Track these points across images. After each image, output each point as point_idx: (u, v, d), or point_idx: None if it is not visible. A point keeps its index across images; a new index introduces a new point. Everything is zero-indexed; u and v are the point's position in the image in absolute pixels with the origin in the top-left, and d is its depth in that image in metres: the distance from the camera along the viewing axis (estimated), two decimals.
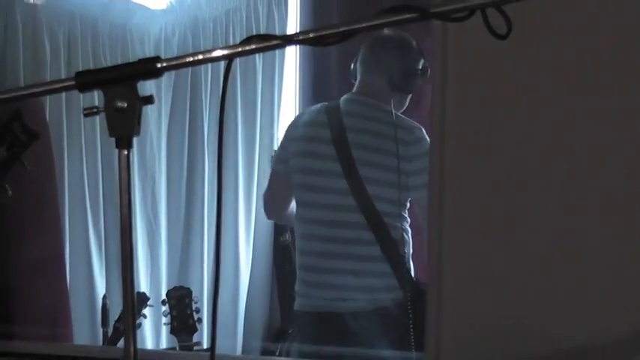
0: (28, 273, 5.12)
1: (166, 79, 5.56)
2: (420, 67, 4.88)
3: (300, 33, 2.15)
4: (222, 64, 2.10)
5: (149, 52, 5.20)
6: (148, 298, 5.37)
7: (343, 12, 6.33)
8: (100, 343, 5.30)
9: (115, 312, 5.31)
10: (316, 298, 5.04)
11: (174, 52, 5.51)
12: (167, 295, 5.37)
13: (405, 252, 4.83)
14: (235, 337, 5.87)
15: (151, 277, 5.72)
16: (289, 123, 5.25)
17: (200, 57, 2.15)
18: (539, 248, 3.76)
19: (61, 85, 2.10)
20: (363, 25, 2.06)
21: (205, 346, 5.23)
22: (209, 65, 5.29)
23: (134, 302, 2.07)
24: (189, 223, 5.86)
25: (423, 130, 4.71)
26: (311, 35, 2.15)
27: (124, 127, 2.01)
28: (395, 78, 4.73)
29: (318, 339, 5.03)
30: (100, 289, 5.50)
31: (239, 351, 5.77)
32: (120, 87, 2.01)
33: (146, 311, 5.35)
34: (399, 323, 4.48)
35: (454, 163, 3.82)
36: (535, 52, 3.40)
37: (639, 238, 3.69)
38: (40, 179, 5.04)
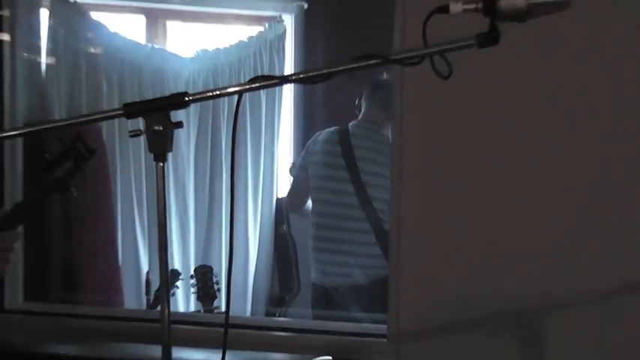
0: (89, 254, 5.12)
1: (193, 108, 5.55)
2: None
3: (294, 74, 2.15)
4: (235, 97, 2.11)
5: (180, 89, 5.19)
6: (179, 274, 5.36)
7: (327, 58, 6.33)
8: (144, 307, 5.30)
9: (155, 284, 5.32)
10: (327, 274, 5.15)
11: (199, 89, 5.50)
12: (194, 271, 5.37)
13: None
14: (245, 302, 5.85)
15: (182, 257, 5.71)
16: (309, 141, 5.31)
17: (217, 92, 2.17)
18: (485, 223, 3.76)
19: (113, 113, 2.11)
20: (341, 68, 2.07)
21: (223, 309, 5.22)
22: (226, 98, 5.28)
23: (168, 277, 2.07)
24: (211, 217, 5.85)
25: None
26: (302, 76, 2.16)
27: (160, 145, 2.02)
28: (389, 110, 4.78)
29: (328, 305, 5.14)
30: (144, 267, 5.49)
31: (248, 313, 5.76)
32: (157, 115, 2.02)
33: (178, 284, 5.34)
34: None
35: (409, 163, 3.82)
36: (471, 86, 3.38)
37: (569, 213, 3.69)
38: (99, 183, 5.05)
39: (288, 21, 6.24)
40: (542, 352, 3.70)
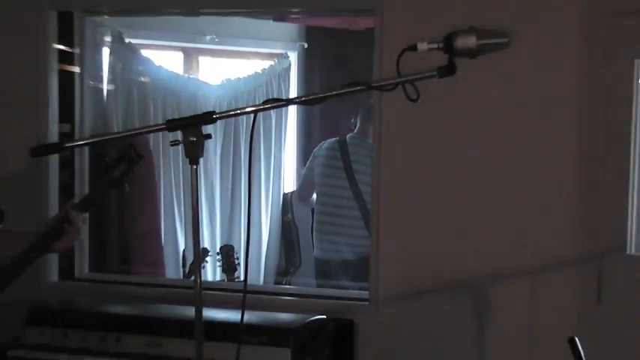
0: (139, 236, 5.11)
1: (219, 124, 5.54)
2: None
3: (296, 97, 2.16)
4: (252, 116, 2.10)
5: (209, 110, 5.18)
6: (208, 252, 5.34)
7: (322, 85, 6.33)
8: (181, 277, 5.28)
9: (189, 259, 5.31)
10: (326, 250, 5.16)
11: (224, 109, 5.49)
12: (219, 249, 5.35)
13: None
14: (259, 273, 5.83)
15: (210, 239, 5.68)
16: (315, 148, 5.36)
17: (238, 111, 2.17)
18: (447, 212, 3.77)
19: (158, 127, 2.10)
20: (334, 92, 2.06)
21: (242, 279, 5.21)
22: (244, 116, 5.27)
23: (200, 254, 2.06)
24: (233, 207, 5.82)
25: None
26: (303, 99, 2.16)
27: (194, 152, 2.01)
28: None
29: (326, 275, 5.15)
30: (181, 246, 5.46)
31: (261, 282, 5.74)
32: (192, 128, 2.01)
33: (207, 259, 5.32)
34: None
35: (386, 163, 3.82)
36: (431, 106, 3.38)
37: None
38: (147, 182, 5.04)
39: (293, 57, 6.22)
40: (488, 311, 3.71)
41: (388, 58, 3.70)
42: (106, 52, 4.97)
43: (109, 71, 5.01)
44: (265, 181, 5.88)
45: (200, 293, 2.03)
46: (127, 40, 5.16)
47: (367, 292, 3.90)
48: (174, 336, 3.43)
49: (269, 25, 5.99)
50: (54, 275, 4.28)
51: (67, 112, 4.30)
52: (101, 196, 2.77)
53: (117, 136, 2.35)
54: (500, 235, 3.69)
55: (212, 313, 3.42)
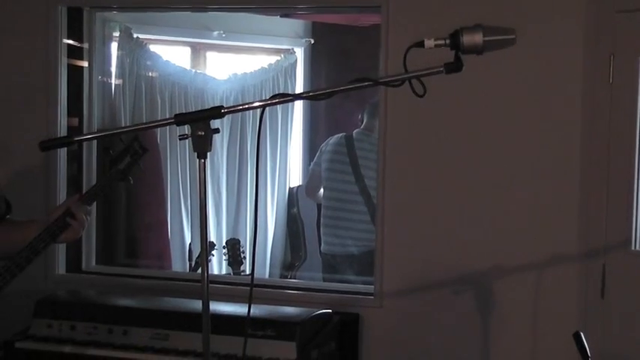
0: (146, 229, 5.11)
1: (226, 119, 5.54)
2: None
3: (303, 93, 2.14)
4: (259, 110, 2.09)
5: (216, 104, 5.18)
6: (214, 245, 5.35)
7: (327, 80, 6.32)
8: (187, 270, 5.28)
9: (195, 253, 5.31)
10: (332, 244, 5.15)
11: (231, 104, 5.49)
12: (226, 243, 5.35)
13: None
14: (265, 267, 5.83)
15: (216, 232, 5.68)
16: (323, 144, 5.32)
17: (246, 106, 2.16)
18: (451, 208, 3.77)
19: (167, 121, 2.09)
20: (341, 88, 2.06)
21: (247, 272, 5.22)
22: (250, 111, 5.27)
23: (207, 247, 2.06)
24: (239, 201, 5.83)
25: None
26: (310, 94, 2.15)
27: (202, 146, 1.99)
28: None
29: (332, 270, 5.14)
30: (187, 239, 5.46)
31: (267, 275, 5.75)
32: (200, 123, 2.00)
33: (214, 252, 5.33)
34: None
35: (390, 158, 3.82)
36: (432, 102, 3.37)
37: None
38: (154, 176, 5.04)
39: (299, 53, 6.22)
40: (491, 305, 3.70)
41: (394, 54, 3.70)
42: (114, 47, 4.98)
43: (117, 66, 5.02)
44: (271, 176, 5.88)
45: (207, 286, 2.02)
46: (135, 36, 5.16)
47: (372, 286, 3.90)
48: (180, 329, 3.43)
49: (276, 21, 5.98)
50: (61, 268, 4.28)
51: (75, 106, 4.31)
52: (106, 189, 2.76)
53: (126, 130, 2.36)
54: (505, 230, 3.69)
55: (218, 307, 3.42)
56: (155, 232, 5.16)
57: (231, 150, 5.78)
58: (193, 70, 5.78)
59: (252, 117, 5.77)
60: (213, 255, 5.32)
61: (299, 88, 6.14)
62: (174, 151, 5.35)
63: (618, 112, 3.52)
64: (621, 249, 3.53)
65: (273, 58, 6.09)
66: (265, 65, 6.01)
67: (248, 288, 2.18)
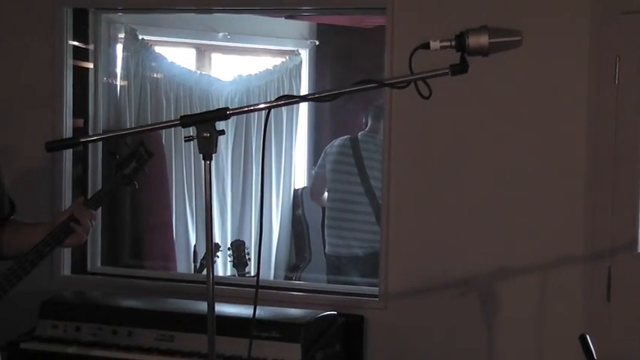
0: (151, 230, 5.11)
1: (231, 120, 5.54)
2: None
3: (309, 94, 2.14)
4: (264, 112, 2.09)
5: (221, 106, 5.18)
6: (219, 247, 5.35)
7: (332, 82, 6.33)
8: (192, 271, 5.28)
9: (200, 254, 5.31)
10: (337, 246, 5.18)
11: (235, 106, 5.49)
12: (231, 244, 5.36)
13: None
14: (269, 269, 5.83)
15: (221, 233, 5.68)
16: (327, 146, 5.35)
17: (252, 107, 2.16)
18: (456, 211, 3.76)
19: (172, 123, 2.08)
20: (347, 89, 2.06)
21: (252, 274, 5.22)
22: (255, 113, 5.27)
23: (212, 249, 2.05)
24: (244, 202, 5.83)
25: None
26: (317, 95, 2.15)
27: (207, 148, 1.99)
28: None
29: (337, 271, 5.16)
30: (192, 240, 5.47)
31: (272, 277, 5.75)
32: (205, 124, 2.00)
33: (218, 254, 5.33)
34: None
35: (395, 161, 3.82)
36: (435, 104, 3.37)
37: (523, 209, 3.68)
38: (159, 177, 5.04)
39: (304, 54, 6.22)
40: (497, 308, 3.69)
41: (399, 56, 3.69)
42: (119, 48, 4.98)
43: (122, 67, 5.02)
44: (276, 177, 5.88)
45: (212, 287, 2.02)
46: (140, 37, 5.17)
47: (377, 288, 3.89)
48: (185, 330, 3.43)
49: (280, 23, 5.99)
50: (67, 269, 4.29)
51: (80, 108, 4.31)
52: (111, 194, 2.76)
53: (132, 131, 2.35)
54: (510, 232, 3.68)
55: (223, 308, 3.42)
56: (160, 233, 5.16)
57: (236, 151, 5.78)
58: (198, 72, 5.79)
59: (256, 118, 5.78)
60: (218, 256, 5.32)
61: (304, 90, 6.14)
62: (179, 153, 5.35)
63: (624, 113, 3.52)
64: (627, 251, 3.52)
65: (278, 60, 6.10)
66: (270, 67, 6.01)
67: (252, 289, 2.17)
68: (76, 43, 4.28)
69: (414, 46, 1.99)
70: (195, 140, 2.00)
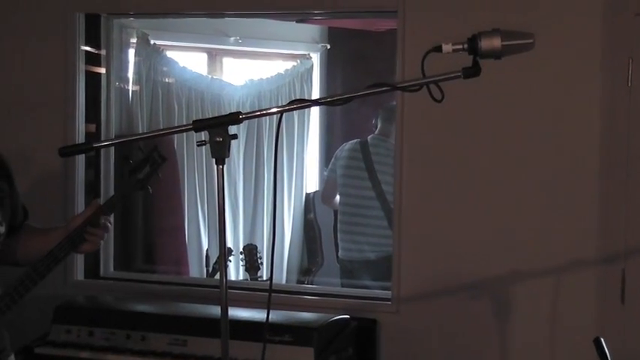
0: (163, 235, 5.12)
1: (242, 124, 5.55)
2: None
3: (321, 98, 2.15)
4: (276, 116, 2.09)
5: (232, 110, 5.19)
6: (231, 251, 5.36)
7: (343, 86, 6.33)
8: (204, 276, 5.29)
9: (212, 258, 5.32)
10: (349, 250, 5.16)
11: (247, 110, 5.49)
12: (243, 249, 5.37)
13: None
14: (282, 272, 5.84)
15: (233, 238, 5.69)
16: (337, 150, 5.34)
17: (265, 111, 2.16)
18: (468, 214, 3.75)
19: (185, 127, 2.09)
20: (359, 93, 2.05)
21: (264, 278, 5.22)
22: (267, 117, 5.28)
23: (225, 253, 2.06)
24: (255, 207, 5.84)
25: None
26: (328, 99, 2.15)
27: (220, 152, 2.00)
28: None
29: (350, 275, 5.15)
30: (205, 245, 5.47)
31: (284, 281, 5.75)
32: (218, 129, 2.00)
33: (230, 258, 5.34)
34: None
35: (408, 164, 3.81)
36: (448, 107, 3.36)
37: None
38: (171, 182, 5.05)
39: (315, 58, 6.23)
40: (509, 311, 3.68)
41: (410, 59, 3.69)
42: (131, 53, 5.00)
43: (134, 72, 5.03)
44: (288, 181, 5.89)
45: (226, 292, 2.02)
46: (152, 42, 5.18)
47: (389, 292, 3.89)
48: (198, 334, 3.43)
49: (292, 27, 6.00)
50: (80, 273, 4.29)
51: (92, 113, 4.32)
52: (125, 199, 2.76)
53: (145, 136, 2.35)
54: (523, 234, 3.67)
55: (235, 312, 3.42)
56: (172, 237, 5.17)
57: (248, 155, 5.79)
58: (210, 76, 5.80)
59: (268, 122, 5.79)
60: (230, 261, 5.33)
61: (315, 94, 6.15)
62: (191, 157, 5.36)
63: (637, 115, 3.51)
64: None
65: (289, 64, 6.11)
66: (281, 71, 6.02)
67: (265, 293, 2.17)
68: (88, 48, 4.29)
69: (426, 49, 1.99)
70: (208, 145, 2.01)
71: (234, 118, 2.01)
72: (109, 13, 4.36)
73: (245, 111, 2.08)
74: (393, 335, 3.85)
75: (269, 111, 2.14)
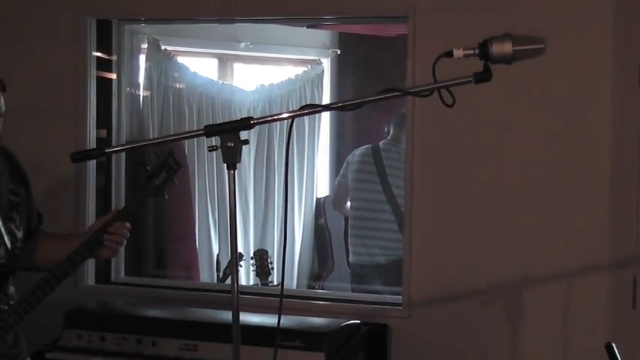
0: (174, 240, 5.13)
1: (253, 129, 5.56)
2: None
3: (332, 103, 2.15)
4: (287, 121, 2.09)
5: (243, 115, 5.20)
6: (242, 256, 5.36)
7: (354, 91, 6.34)
8: (215, 281, 5.29)
9: (223, 264, 5.32)
10: (360, 255, 5.17)
11: (257, 115, 5.50)
12: (254, 254, 5.36)
13: None
14: (292, 278, 5.84)
15: (244, 243, 5.70)
16: (349, 155, 5.35)
17: (276, 117, 2.17)
18: (479, 219, 3.75)
19: (196, 133, 2.10)
20: (369, 98, 2.06)
21: (275, 283, 5.22)
22: (278, 122, 5.29)
23: (237, 258, 2.06)
24: (266, 212, 5.84)
25: None
26: (339, 105, 2.15)
27: (231, 157, 2.00)
28: None
29: (361, 280, 5.16)
30: (215, 250, 5.48)
31: (294, 286, 5.75)
32: (229, 134, 2.01)
33: (241, 263, 5.34)
34: None
35: (418, 169, 3.81)
36: (459, 112, 3.35)
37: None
38: (181, 186, 5.04)
39: (326, 63, 6.24)
40: (521, 316, 3.68)
41: (421, 64, 3.69)
42: (142, 59, 5.01)
43: (145, 78, 5.05)
44: (298, 186, 5.89)
45: (237, 297, 2.02)
46: (163, 47, 5.19)
47: (400, 297, 3.88)
48: (209, 339, 3.43)
49: (302, 32, 6.00)
50: (91, 279, 4.31)
51: (103, 118, 4.33)
52: (141, 205, 2.77)
53: (156, 141, 2.36)
54: (534, 239, 3.66)
55: (246, 317, 3.42)
56: (183, 243, 5.18)
57: (259, 160, 5.80)
58: (220, 82, 5.81)
59: (279, 127, 5.79)
60: (241, 266, 5.33)
61: (326, 99, 6.15)
62: (202, 162, 5.37)
63: None
64: None
65: (300, 69, 6.11)
66: (292, 76, 6.03)
67: (275, 299, 2.18)
68: (99, 54, 4.31)
69: (437, 54, 1.99)
70: (219, 150, 2.01)
71: (246, 123, 2.02)
72: (121, 19, 4.38)
73: (256, 116, 2.09)
74: (404, 340, 3.84)
75: (280, 116, 2.15)
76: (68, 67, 4.22)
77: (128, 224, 2.66)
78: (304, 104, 2.11)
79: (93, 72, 4.25)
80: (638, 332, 3.50)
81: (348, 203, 5.33)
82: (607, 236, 3.58)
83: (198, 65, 5.70)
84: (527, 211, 3.67)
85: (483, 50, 1.95)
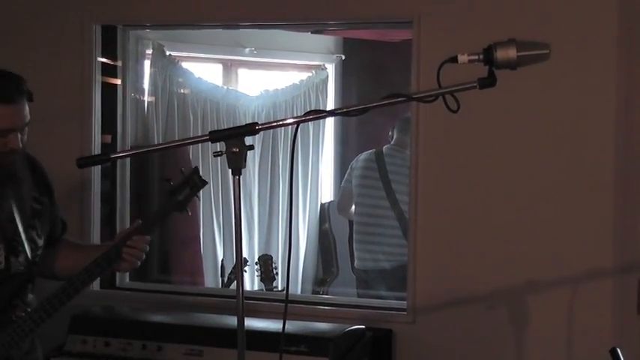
0: (179, 245, 5.13)
1: (258, 135, 5.56)
2: None
3: (337, 109, 2.15)
4: (292, 127, 2.10)
5: (248, 121, 5.21)
6: (247, 261, 5.36)
7: (358, 97, 6.35)
8: (219, 286, 5.30)
9: (228, 269, 5.32)
10: (364, 260, 5.17)
11: (262, 121, 5.51)
12: (258, 259, 5.36)
13: None
14: (297, 283, 5.84)
15: (248, 248, 5.70)
16: (353, 160, 5.35)
17: (281, 122, 2.17)
18: (483, 224, 3.75)
19: (201, 138, 2.11)
20: (374, 104, 2.06)
21: (279, 288, 5.23)
22: (283, 128, 5.29)
23: (242, 263, 2.06)
24: (271, 217, 5.85)
25: None
26: (344, 110, 2.15)
27: (236, 163, 2.01)
28: None
29: (366, 285, 5.16)
30: (220, 255, 5.48)
31: (299, 291, 5.75)
32: (234, 139, 2.02)
33: (246, 268, 5.34)
34: None
35: (422, 175, 3.81)
36: (463, 118, 3.36)
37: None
38: None
39: (330, 69, 6.25)
40: (525, 321, 3.67)
41: (425, 70, 3.69)
42: (147, 64, 5.02)
43: (150, 83, 5.06)
44: (303, 191, 5.90)
45: (242, 302, 2.02)
46: (168, 53, 5.21)
47: (405, 302, 3.88)
48: (214, 345, 3.43)
49: (307, 38, 6.02)
50: (96, 284, 4.30)
51: (108, 124, 4.34)
52: (163, 220, 2.77)
53: (162, 147, 2.37)
54: (538, 244, 3.66)
55: (251, 322, 3.42)
56: (188, 248, 5.18)
57: (263, 165, 5.81)
58: (225, 87, 5.83)
59: (283, 133, 5.80)
60: (245, 271, 5.33)
61: (330, 104, 6.17)
62: (206, 168, 5.38)
63: None
64: None
65: (304, 74, 6.13)
66: (296, 81, 6.04)
67: (280, 304, 2.18)
68: (104, 59, 4.32)
69: (441, 59, 2.00)
70: (224, 155, 2.02)
71: (251, 128, 2.03)
72: (125, 24, 4.38)
73: (260, 122, 2.09)
74: (409, 345, 3.84)
75: (285, 122, 2.16)
76: (73, 73, 4.23)
77: (148, 237, 2.66)
78: (309, 110, 2.12)
79: (98, 77, 4.26)
80: None
81: (353, 208, 5.33)
82: (612, 241, 3.57)
83: (203, 71, 5.72)
84: (532, 217, 3.68)
85: (488, 56, 1.96)
